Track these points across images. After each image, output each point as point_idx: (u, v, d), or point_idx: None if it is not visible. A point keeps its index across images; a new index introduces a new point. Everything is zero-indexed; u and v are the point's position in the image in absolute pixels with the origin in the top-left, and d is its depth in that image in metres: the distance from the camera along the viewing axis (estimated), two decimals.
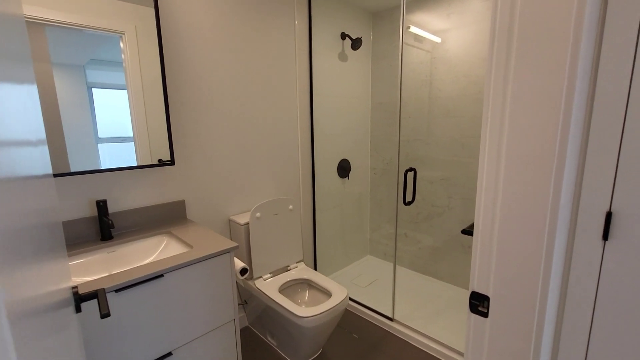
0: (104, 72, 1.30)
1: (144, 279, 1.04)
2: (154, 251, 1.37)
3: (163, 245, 1.40)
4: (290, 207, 1.96)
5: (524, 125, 0.59)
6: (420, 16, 2.38)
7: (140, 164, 1.44)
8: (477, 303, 0.70)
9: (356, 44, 2.30)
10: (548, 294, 0.60)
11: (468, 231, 0.78)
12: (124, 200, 1.46)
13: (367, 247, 3.00)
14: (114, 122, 1.37)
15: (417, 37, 2.45)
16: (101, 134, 1.34)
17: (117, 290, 1.00)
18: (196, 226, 1.52)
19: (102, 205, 1.33)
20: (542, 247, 0.59)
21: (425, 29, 2.36)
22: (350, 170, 2.63)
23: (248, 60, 1.84)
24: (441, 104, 2.32)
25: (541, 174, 0.58)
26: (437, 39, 2.31)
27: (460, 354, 1.71)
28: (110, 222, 1.28)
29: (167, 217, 1.60)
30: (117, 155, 1.39)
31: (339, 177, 2.57)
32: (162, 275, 1.09)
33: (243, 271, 1.45)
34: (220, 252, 1.25)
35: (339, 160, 2.55)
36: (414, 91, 2.48)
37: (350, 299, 2.26)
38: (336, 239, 2.64)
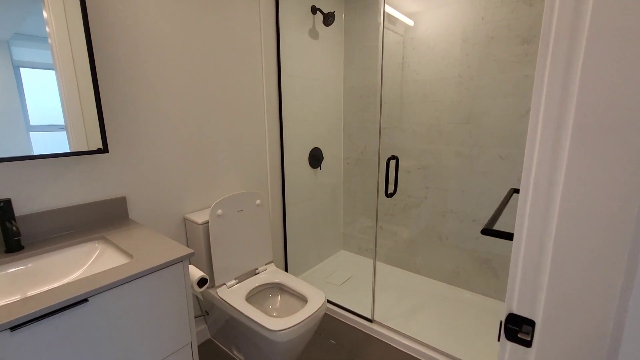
0: (32, 49, 1.04)
1: (57, 307, 0.76)
2: (81, 264, 1.07)
3: (95, 255, 1.10)
4: (258, 201, 1.71)
5: (610, 67, 0.41)
6: None
7: (58, 152, 1.12)
8: (516, 329, 0.53)
9: (328, 19, 2.07)
10: (627, 317, 0.44)
11: (492, 231, 0.61)
12: (40, 199, 1.13)
13: (340, 241, 2.83)
14: (50, 107, 1.09)
15: (390, 18, 2.28)
16: (34, 121, 1.06)
17: (13, 329, 0.71)
18: (140, 229, 1.23)
19: (3, 207, 1.00)
20: (624, 251, 0.43)
21: (399, 8, 2.19)
22: (322, 159, 2.42)
23: (203, 30, 1.54)
24: (418, 88, 2.18)
25: (632, 147, 0.41)
26: (410, 22, 2.15)
27: (444, 354, 1.60)
28: (14, 228, 0.96)
29: (102, 219, 1.29)
30: (53, 146, 1.11)
31: (310, 168, 2.36)
32: (86, 300, 0.81)
33: (201, 282, 1.20)
34: (170, 263, 0.98)
35: (311, 148, 2.33)
36: (389, 74, 2.31)
37: None
38: (308, 235, 2.44)
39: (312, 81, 2.24)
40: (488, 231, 0.64)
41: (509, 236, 0.63)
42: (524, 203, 0.50)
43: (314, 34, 2.19)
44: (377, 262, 2.63)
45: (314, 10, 2.12)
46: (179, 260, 1.01)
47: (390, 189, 1.89)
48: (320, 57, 2.29)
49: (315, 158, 2.37)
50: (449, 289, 2.24)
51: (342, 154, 2.66)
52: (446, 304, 2.07)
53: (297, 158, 2.22)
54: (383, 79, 2.34)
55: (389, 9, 2.26)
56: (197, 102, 1.57)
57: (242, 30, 1.72)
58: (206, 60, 1.57)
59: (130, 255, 1.02)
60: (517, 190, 0.98)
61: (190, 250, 1.04)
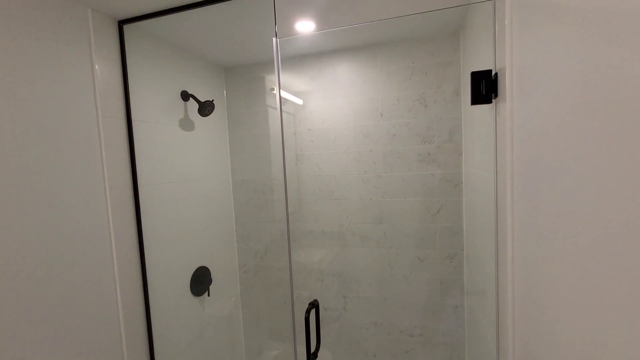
0: None
1: None
2: None
3: None
4: None
5: None
6: (281, 77, 1.96)
7: None
8: None
9: (205, 108, 1.63)
10: None
11: None
12: None
13: None
14: None
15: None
16: None
17: None
18: None
19: None
20: None
21: (289, 89, 1.94)
22: (210, 281, 1.81)
23: None
24: (322, 184, 1.89)
25: None
26: (299, 101, 1.92)
27: None
28: None
29: None
30: None
31: (193, 297, 1.71)
32: None
33: None
34: None
35: (193, 270, 1.71)
36: (287, 166, 1.97)
37: None
38: None
39: (188, 182, 1.70)
40: None
41: None
42: None
43: (187, 124, 1.69)
44: None
45: (185, 96, 1.65)
46: None
47: (316, 345, 1.39)
48: (199, 151, 1.79)
49: (200, 282, 1.74)
50: None
51: (236, 262, 2.10)
52: None
53: (170, 292, 1.56)
54: (281, 170, 1.99)
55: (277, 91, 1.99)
56: None
57: (60, 122, 1.09)
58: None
59: None
60: None
61: None
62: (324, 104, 1.86)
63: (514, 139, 0.80)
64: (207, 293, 1.78)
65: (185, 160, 1.67)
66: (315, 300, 1.24)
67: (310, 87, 1.89)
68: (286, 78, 1.96)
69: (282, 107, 2.05)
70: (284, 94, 2.01)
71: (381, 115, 1.74)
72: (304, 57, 1.87)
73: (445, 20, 1.50)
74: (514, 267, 0.83)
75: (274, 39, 1.18)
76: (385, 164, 1.75)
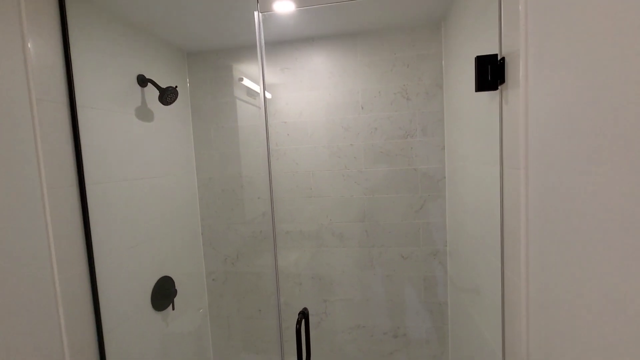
0: None
1: None
2: None
3: None
4: None
5: None
6: (250, 67, 1.81)
7: None
8: None
9: (168, 96, 1.42)
10: None
11: None
12: None
13: None
14: None
15: (249, 92, 1.85)
16: None
17: None
18: None
19: None
20: None
21: (258, 82, 1.78)
22: (175, 293, 1.59)
23: None
24: (299, 181, 1.77)
25: None
26: (268, 95, 1.78)
27: None
28: None
29: None
30: None
31: (155, 312, 1.49)
32: None
33: None
34: None
35: (155, 282, 1.49)
36: (261, 162, 1.82)
37: None
38: None
39: (147, 181, 1.47)
40: None
41: None
42: None
43: (145, 114, 1.47)
44: None
45: (143, 81, 1.43)
46: None
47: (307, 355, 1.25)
48: (159, 144, 1.56)
49: (163, 294, 1.53)
50: None
51: (204, 270, 1.89)
52: None
53: (128, 310, 1.33)
54: (251, 167, 1.83)
55: (248, 83, 1.83)
56: None
57: None
58: None
59: None
60: None
61: None
62: (301, 95, 1.73)
63: (529, 127, 0.75)
64: (171, 306, 1.56)
65: (143, 154, 1.45)
66: (305, 309, 1.11)
67: (283, 78, 1.75)
68: (255, 68, 1.80)
69: (252, 99, 1.89)
70: (251, 86, 1.85)
71: (362, 108, 1.66)
72: (278, 45, 1.72)
73: (428, 7, 1.45)
74: (529, 263, 0.78)
75: (255, 13, 1.03)
76: (367, 159, 1.68)
